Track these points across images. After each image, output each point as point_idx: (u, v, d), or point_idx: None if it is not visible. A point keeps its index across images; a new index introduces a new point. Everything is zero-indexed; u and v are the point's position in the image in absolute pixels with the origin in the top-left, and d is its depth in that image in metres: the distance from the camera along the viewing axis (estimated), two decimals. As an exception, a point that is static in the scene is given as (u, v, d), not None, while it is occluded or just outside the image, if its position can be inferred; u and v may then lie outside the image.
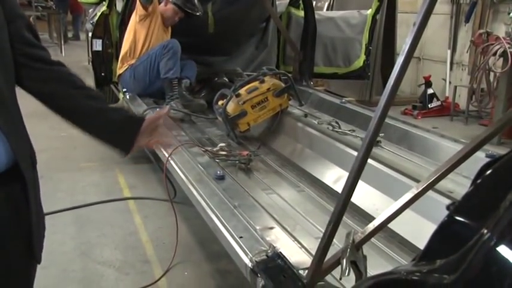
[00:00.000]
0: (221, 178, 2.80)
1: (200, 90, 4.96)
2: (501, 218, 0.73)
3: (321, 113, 4.10)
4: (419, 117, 7.27)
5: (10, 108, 1.44)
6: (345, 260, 1.35)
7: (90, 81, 5.53)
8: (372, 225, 1.38)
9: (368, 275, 1.36)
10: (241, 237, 2.07)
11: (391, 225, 1.48)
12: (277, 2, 5.66)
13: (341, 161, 3.01)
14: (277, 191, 2.89)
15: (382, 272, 0.96)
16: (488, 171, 0.90)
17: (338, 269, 1.41)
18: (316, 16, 5.20)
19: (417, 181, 2.13)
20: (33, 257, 1.59)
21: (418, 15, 1.24)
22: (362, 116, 3.78)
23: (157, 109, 4.23)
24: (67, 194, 4.29)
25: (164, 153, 3.22)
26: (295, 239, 2.19)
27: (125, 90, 4.82)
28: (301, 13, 5.33)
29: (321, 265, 1.52)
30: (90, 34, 5.80)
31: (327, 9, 8.07)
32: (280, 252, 1.88)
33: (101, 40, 5.30)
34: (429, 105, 7.47)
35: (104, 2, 5.44)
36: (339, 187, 2.57)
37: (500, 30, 6.89)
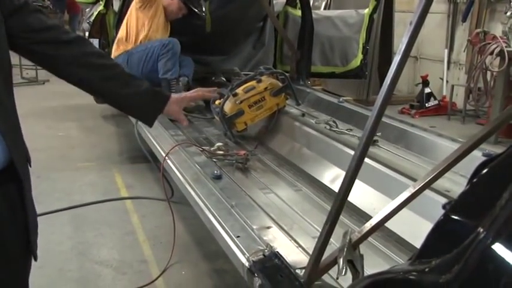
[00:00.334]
0: (218, 177, 2.80)
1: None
2: (497, 216, 0.73)
3: (318, 112, 4.09)
4: (417, 116, 7.29)
5: (7, 108, 1.44)
6: (341, 259, 1.35)
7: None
8: (368, 225, 1.38)
9: (365, 274, 1.36)
10: (238, 236, 2.07)
11: (388, 224, 1.48)
12: (274, 1, 5.66)
13: (338, 160, 3.01)
14: (274, 191, 2.88)
15: (378, 271, 0.96)
16: (485, 170, 0.90)
17: (335, 269, 1.41)
18: (313, 15, 5.19)
19: (414, 180, 2.12)
20: (30, 254, 1.59)
21: (415, 14, 1.24)
22: (359, 115, 3.78)
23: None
24: (64, 193, 4.28)
25: (161, 153, 3.22)
26: (292, 239, 2.19)
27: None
28: (299, 12, 5.32)
29: (317, 264, 1.52)
30: (87, 34, 5.79)
31: (324, 8, 8.08)
32: (277, 252, 1.88)
33: (97, 40, 5.29)
34: (426, 105, 7.48)
35: (100, 2, 5.44)
36: (336, 186, 2.56)
37: (497, 30, 6.90)
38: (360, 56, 5.30)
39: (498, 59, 6.26)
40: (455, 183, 2.30)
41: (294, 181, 3.07)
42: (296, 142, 3.57)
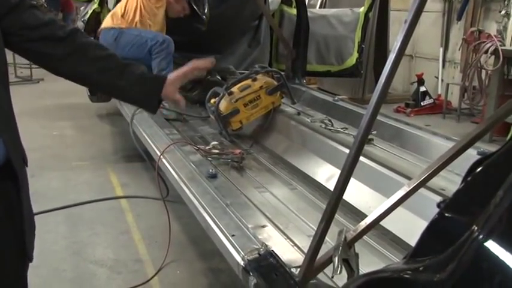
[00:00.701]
0: (213, 176, 2.80)
1: (192, 88, 4.93)
2: (491, 215, 0.73)
3: (313, 111, 4.09)
4: (412, 114, 7.30)
5: (4, 107, 1.44)
6: (337, 258, 1.35)
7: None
8: (364, 223, 1.38)
9: (360, 272, 1.36)
10: (233, 235, 2.07)
11: (383, 222, 1.48)
12: (269, 0, 5.65)
13: (334, 158, 3.01)
14: (269, 189, 2.88)
15: (373, 270, 0.96)
16: (479, 169, 0.90)
17: (330, 267, 1.41)
18: (308, 14, 5.19)
19: (409, 178, 2.12)
20: (26, 255, 1.58)
21: (410, 13, 1.24)
22: (354, 114, 3.78)
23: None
24: (59, 192, 4.27)
25: (156, 152, 3.21)
26: (288, 237, 2.19)
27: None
28: (294, 11, 5.32)
29: (313, 263, 1.52)
30: (81, 32, 5.74)
31: (320, 7, 8.06)
32: (273, 251, 1.88)
33: (92, 38, 5.26)
34: (421, 103, 7.50)
35: (95, 0, 5.41)
36: (331, 185, 2.56)
37: (492, 28, 6.93)
38: (355, 55, 5.30)
39: (493, 57, 6.28)
40: (450, 181, 2.31)
41: (289, 180, 3.07)
42: (291, 141, 3.57)
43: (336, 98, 4.35)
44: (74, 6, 11.97)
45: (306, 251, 1.61)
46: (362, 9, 5.26)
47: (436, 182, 2.21)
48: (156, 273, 3.09)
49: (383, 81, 1.29)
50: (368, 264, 1.55)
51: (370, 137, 3.10)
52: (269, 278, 1.73)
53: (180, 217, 3.65)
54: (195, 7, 4.75)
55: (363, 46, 5.40)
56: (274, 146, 3.60)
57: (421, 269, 0.83)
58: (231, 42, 5.68)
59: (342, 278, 1.36)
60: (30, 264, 1.65)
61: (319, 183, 2.95)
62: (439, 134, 3.20)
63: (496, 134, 5.74)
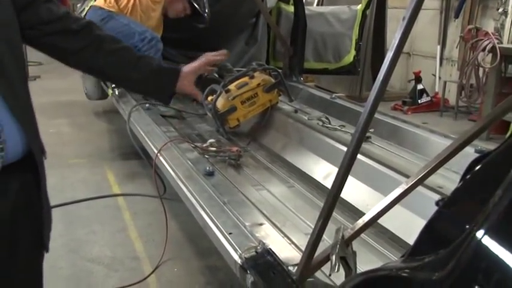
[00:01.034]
0: (211, 174, 2.79)
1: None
2: (490, 213, 0.73)
3: (311, 109, 4.09)
4: (409, 112, 7.30)
5: (24, 100, 1.47)
6: (334, 256, 1.35)
7: (77, 76, 5.51)
8: (361, 221, 1.38)
9: (358, 271, 1.35)
10: (230, 233, 2.06)
11: (380, 220, 1.48)
12: (266, -3, 5.63)
13: (331, 156, 3.00)
14: (267, 187, 2.88)
15: (371, 268, 0.95)
16: (478, 167, 0.89)
17: (328, 265, 1.41)
18: (306, 11, 5.18)
19: (407, 176, 2.12)
20: (43, 246, 1.62)
21: (408, 10, 1.23)
22: (352, 112, 3.78)
23: (147, 105, 4.21)
24: (56, 190, 4.25)
25: (153, 149, 3.20)
26: (285, 235, 2.18)
27: (113, 85, 4.77)
28: (291, 8, 5.31)
29: (310, 261, 1.51)
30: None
31: (317, 4, 8.05)
32: (270, 249, 1.87)
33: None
34: (419, 101, 7.51)
35: (92, -3, 5.38)
36: (328, 183, 2.56)
37: (489, 26, 6.93)
38: (353, 52, 5.29)
39: (490, 55, 6.28)
40: (448, 179, 2.31)
41: (286, 178, 3.06)
42: (289, 138, 3.56)
43: (334, 96, 4.35)
44: (68, 2, 11.91)
45: (303, 249, 1.60)
46: (359, 7, 5.25)
47: (434, 180, 2.20)
48: (153, 271, 3.08)
49: (381, 79, 1.29)
50: (366, 262, 1.54)
51: (367, 134, 3.09)
52: (266, 276, 1.72)
53: (177, 215, 3.64)
54: (196, 6, 4.72)
55: (361, 44, 5.40)
56: (272, 143, 3.59)
57: (419, 267, 0.82)
58: (228, 39, 5.65)
59: (340, 276, 1.36)
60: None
61: (317, 181, 2.95)
62: (436, 132, 3.20)
63: (494, 132, 5.74)
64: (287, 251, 1.99)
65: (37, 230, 1.58)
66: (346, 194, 1.76)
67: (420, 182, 1.33)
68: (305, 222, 2.42)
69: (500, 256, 0.69)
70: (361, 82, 7.60)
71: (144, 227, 3.66)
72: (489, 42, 6.29)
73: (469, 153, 2.33)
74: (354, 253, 1.37)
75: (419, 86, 7.55)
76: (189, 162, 2.94)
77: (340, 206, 2.46)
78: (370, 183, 2.64)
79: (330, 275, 1.42)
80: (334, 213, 1.49)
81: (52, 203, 4.08)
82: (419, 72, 7.62)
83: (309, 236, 1.52)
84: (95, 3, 4.54)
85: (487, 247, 0.70)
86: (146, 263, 3.21)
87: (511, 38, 6.71)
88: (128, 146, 4.47)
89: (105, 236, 3.54)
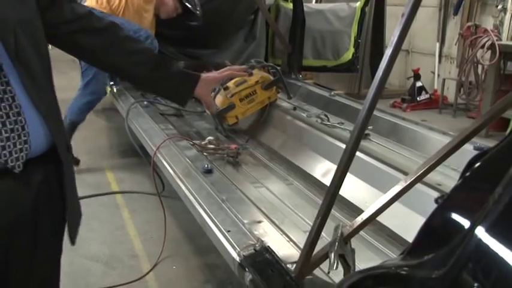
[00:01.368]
0: (209, 172, 2.78)
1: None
2: (490, 211, 0.72)
3: (309, 106, 4.08)
4: (408, 110, 7.30)
5: (48, 95, 1.48)
6: (333, 254, 1.35)
7: (77, 73, 5.48)
8: (360, 219, 1.38)
9: (356, 268, 1.35)
10: (229, 231, 2.06)
11: (379, 218, 1.47)
12: (265, -6, 5.62)
13: (330, 154, 3.00)
14: (265, 185, 2.87)
15: (370, 266, 0.95)
16: (477, 164, 0.89)
17: (326, 263, 1.40)
18: (305, 8, 5.17)
19: (406, 174, 2.12)
20: (62, 239, 1.63)
21: (407, 7, 1.23)
22: (351, 109, 3.78)
23: (145, 102, 4.20)
24: (54, 188, 4.24)
25: (152, 147, 3.19)
26: (284, 233, 2.18)
27: (111, 83, 4.76)
28: (290, 5, 5.30)
29: (309, 259, 1.51)
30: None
31: (316, 2, 8.04)
32: (268, 246, 1.87)
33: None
34: (418, 98, 7.50)
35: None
36: (327, 180, 2.55)
37: (488, 23, 6.93)
38: (352, 50, 5.29)
39: (489, 52, 6.28)
40: (447, 176, 2.31)
41: (285, 175, 3.06)
42: (287, 136, 3.56)
43: (332, 93, 4.35)
44: None
45: (302, 246, 1.60)
46: (358, 4, 5.25)
47: (433, 177, 2.20)
48: (151, 269, 3.08)
49: (379, 76, 1.29)
50: (364, 260, 1.54)
51: (366, 132, 3.09)
52: (265, 273, 1.72)
53: (176, 212, 3.63)
54: (187, 4, 4.70)
55: (359, 41, 5.40)
56: (270, 141, 3.59)
57: (418, 265, 0.82)
58: (227, 37, 5.65)
59: (338, 273, 1.35)
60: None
61: (315, 178, 2.94)
62: (435, 129, 3.20)
63: (493, 129, 5.74)
64: (285, 248, 1.99)
65: (58, 226, 1.58)
66: (344, 191, 1.76)
67: (419, 179, 1.33)
68: (303, 219, 2.42)
69: (500, 254, 0.68)
70: (360, 79, 7.60)
71: (143, 224, 3.65)
72: (488, 39, 6.29)
73: (468, 151, 2.33)
74: (353, 251, 1.37)
75: (418, 83, 7.55)
76: (188, 160, 2.94)
77: (338, 203, 2.46)
78: (369, 180, 2.64)
79: (328, 272, 1.41)
80: (332, 211, 1.49)
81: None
82: (418, 69, 7.61)
83: (307, 234, 1.51)
84: (86, 4, 4.52)
85: (486, 245, 0.70)
86: (145, 260, 3.20)
87: (510, 35, 6.71)
88: (127, 143, 4.47)
89: (103, 234, 3.53)
